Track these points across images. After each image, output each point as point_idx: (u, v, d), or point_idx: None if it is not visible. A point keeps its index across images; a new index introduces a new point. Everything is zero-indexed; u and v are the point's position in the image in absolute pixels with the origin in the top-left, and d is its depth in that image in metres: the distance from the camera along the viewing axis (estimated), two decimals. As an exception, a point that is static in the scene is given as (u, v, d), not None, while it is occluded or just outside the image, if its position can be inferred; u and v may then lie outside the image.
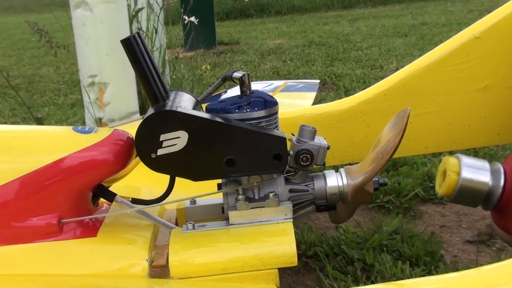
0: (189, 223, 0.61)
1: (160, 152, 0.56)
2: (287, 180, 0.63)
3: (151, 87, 0.57)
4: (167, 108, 0.56)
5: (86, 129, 0.62)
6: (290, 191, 0.62)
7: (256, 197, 0.62)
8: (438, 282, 0.41)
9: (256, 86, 1.78)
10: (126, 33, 1.43)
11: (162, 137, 0.55)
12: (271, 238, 0.58)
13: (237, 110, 0.59)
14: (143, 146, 0.56)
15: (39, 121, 1.65)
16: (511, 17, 0.90)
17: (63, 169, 0.57)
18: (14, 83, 3.09)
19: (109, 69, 1.43)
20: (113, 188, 0.79)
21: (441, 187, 0.59)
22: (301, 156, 0.61)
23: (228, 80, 0.65)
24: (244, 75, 0.61)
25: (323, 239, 1.00)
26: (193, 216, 0.68)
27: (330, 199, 0.63)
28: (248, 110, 0.59)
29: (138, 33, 0.62)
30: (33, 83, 3.13)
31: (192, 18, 2.47)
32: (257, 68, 3.00)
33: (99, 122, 1.49)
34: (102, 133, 0.61)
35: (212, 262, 0.56)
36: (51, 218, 0.57)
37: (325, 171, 0.65)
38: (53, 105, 2.49)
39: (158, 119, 0.55)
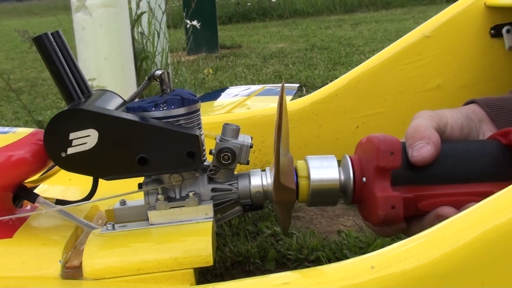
0: (109, 224, 0.60)
1: (70, 151, 0.55)
2: (210, 180, 0.62)
3: (64, 86, 0.57)
4: (78, 106, 0.55)
5: (5, 129, 0.61)
6: (213, 190, 0.61)
7: (177, 197, 0.61)
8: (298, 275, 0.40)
9: (233, 90, 1.77)
10: (126, 37, 1.45)
11: (72, 135, 0.54)
12: (188, 238, 0.57)
13: (153, 108, 0.58)
14: (52, 145, 0.55)
15: (40, 124, 1.65)
16: (460, 16, 0.90)
17: (-24, 169, 0.57)
18: (17, 86, 3.09)
19: (107, 73, 1.43)
20: (51, 190, 0.78)
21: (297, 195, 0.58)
22: (222, 155, 0.60)
23: (152, 79, 0.65)
24: (163, 73, 0.60)
25: (325, 243, 0.97)
26: (123, 218, 0.66)
27: (254, 198, 0.62)
28: (165, 108, 0.58)
29: (58, 32, 0.61)
30: (35, 86, 3.13)
31: (194, 22, 2.46)
32: (259, 72, 2.98)
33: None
34: (21, 133, 0.60)
35: (126, 262, 0.55)
36: (-37, 219, 0.56)
37: (251, 169, 0.64)
38: (55, 108, 2.49)
39: (66, 117, 0.54)
